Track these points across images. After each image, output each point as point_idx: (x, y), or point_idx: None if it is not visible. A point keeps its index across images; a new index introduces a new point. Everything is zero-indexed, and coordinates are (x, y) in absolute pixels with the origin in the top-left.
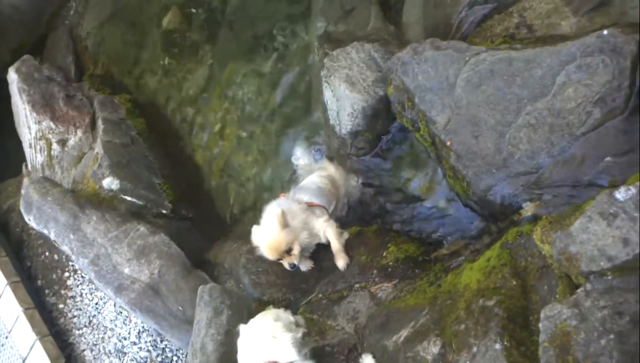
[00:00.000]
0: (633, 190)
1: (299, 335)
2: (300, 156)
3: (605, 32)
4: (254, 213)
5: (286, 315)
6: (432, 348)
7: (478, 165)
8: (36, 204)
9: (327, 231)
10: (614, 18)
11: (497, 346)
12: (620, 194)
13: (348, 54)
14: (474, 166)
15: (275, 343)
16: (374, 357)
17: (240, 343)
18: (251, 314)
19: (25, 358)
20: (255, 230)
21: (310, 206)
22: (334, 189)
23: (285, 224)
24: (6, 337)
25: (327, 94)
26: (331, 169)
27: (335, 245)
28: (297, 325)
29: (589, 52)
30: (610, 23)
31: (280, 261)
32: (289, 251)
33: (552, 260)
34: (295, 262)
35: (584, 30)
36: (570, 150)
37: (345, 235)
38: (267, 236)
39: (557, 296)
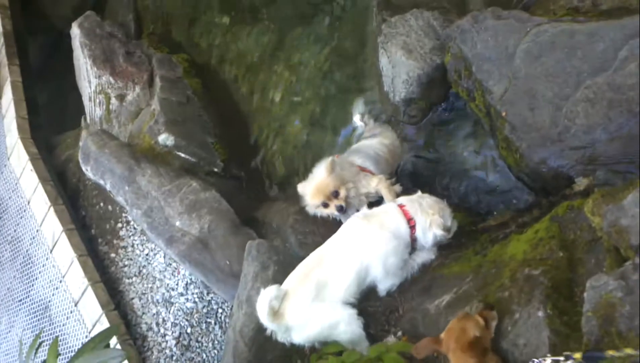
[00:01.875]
0: None
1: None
2: (362, 118)
3: None
4: (303, 177)
5: None
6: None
7: (532, 137)
8: (94, 155)
9: (379, 186)
10: None
11: (540, 313)
12: None
13: (407, 21)
14: (529, 139)
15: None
16: (403, 334)
17: None
18: None
19: (77, 302)
20: (301, 184)
21: (362, 170)
22: (391, 159)
23: (333, 171)
24: (60, 281)
25: (383, 61)
26: (393, 137)
27: (388, 199)
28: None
29: None
30: None
31: (327, 208)
32: (336, 195)
33: (602, 233)
34: (343, 205)
35: None
36: (627, 127)
37: (398, 188)
38: (315, 179)
39: (605, 269)
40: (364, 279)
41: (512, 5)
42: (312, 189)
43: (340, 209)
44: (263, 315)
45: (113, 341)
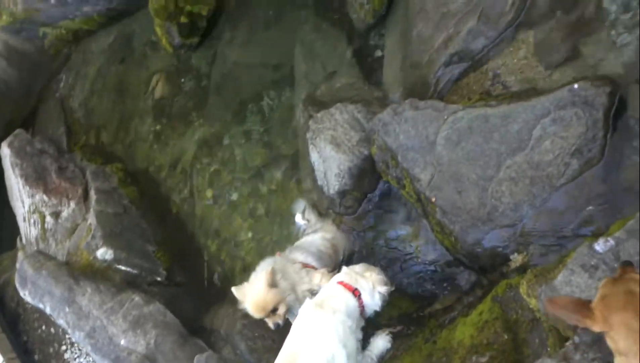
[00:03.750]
0: (611, 242)
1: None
2: (303, 216)
3: (575, 86)
4: (248, 275)
5: None
6: None
7: (464, 220)
8: (31, 278)
9: (322, 281)
10: (585, 71)
11: None
12: (599, 246)
13: (332, 116)
14: (460, 221)
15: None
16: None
17: None
18: None
19: None
20: (235, 289)
21: (305, 266)
22: (333, 254)
23: (273, 284)
24: None
25: (314, 156)
26: (334, 231)
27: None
28: None
29: (562, 106)
30: (581, 76)
31: (265, 319)
32: (274, 311)
33: (539, 314)
34: (280, 322)
35: (556, 83)
36: (551, 201)
37: None
38: (254, 294)
39: (549, 349)
40: None
41: (429, 94)
42: (251, 304)
43: (277, 326)
44: None
45: None
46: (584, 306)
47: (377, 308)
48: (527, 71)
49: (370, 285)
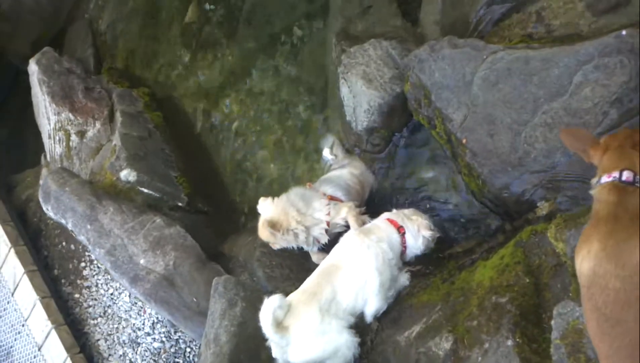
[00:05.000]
0: None
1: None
2: (331, 151)
3: (623, 32)
4: None
5: None
6: (444, 343)
7: (493, 163)
8: (54, 194)
9: (348, 214)
10: (633, 18)
11: (509, 342)
12: None
13: (365, 51)
14: (490, 164)
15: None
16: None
17: None
18: None
19: (41, 346)
20: (262, 200)
21: (332, 199)
22: (360, 190)
23: (277, 227)
24: (22, 325)
25: (344, 91)
26: (362, 168)
27: (354, 228)
28: None
29: (606, 53)
30: (629, 23)
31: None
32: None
33: (566, 258)
34: (275, 248)
35: (602, 30)
36: None
37: (366, 218)
38: (259, 223)
39: (570, 294)
40: (363, 297)
41: (467, 34)
42: (259, 224)
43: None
44: (266, 325)
45: None
46: (594, 139)
47: (419, 252)
48: (573, 16)
49: (416, 228)
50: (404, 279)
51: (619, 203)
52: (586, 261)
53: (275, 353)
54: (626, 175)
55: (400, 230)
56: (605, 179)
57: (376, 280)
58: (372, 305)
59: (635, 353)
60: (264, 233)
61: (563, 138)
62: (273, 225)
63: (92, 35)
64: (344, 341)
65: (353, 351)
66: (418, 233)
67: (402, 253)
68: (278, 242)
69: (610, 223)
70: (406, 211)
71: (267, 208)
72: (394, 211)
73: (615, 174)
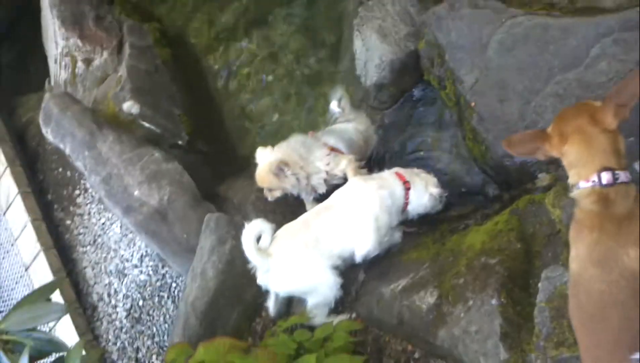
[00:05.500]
0: None
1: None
2: (339, 104)
3: None
4: None
5: None
6: (428, 298)
7: (499, 129)
8: (55, 117)
9: (348, 167)
10: None
11: (494, 301)
12: (637, 165)
13: (384, 5)
14: (495, 130)
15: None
16: (357, 317)
17: None
18: None
19: (28, 266)
20: (260, 149)
21: (333, 150)
22: (364, 146)
23: (277, 175)
24: (12, 244)
25: (357, 43)
26: (367, 124)
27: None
28: None
29: (627, 27)
30: None
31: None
32: (270, 190)
33: (561, 225)
34: (269, 198)
35: (625, 6)
36: None
37: (364, 172)
38: (261, 167)
39: (561, 262)
40: (353, 239)
41: None
42: (257, 172)
43: (265, 200)
44: (247, 246)
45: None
46: (540, 133)
47: (423, 210)
48: None
49: (424, 184)
50: (397, 236)
51: (604, 212)
52: (574, 263)
53: (259, 277)
54: (606, 178)
55: (406, 184)
56: (583, 184)
57: (371, 223)
58: (364, 245)
59: (616, 349)
60: (266, 177)
61: (509, 149)
62: (285, 164)
63: None
64: (325, 279)
65: (334, 292)
66: (425, 189)
67: (404, 209)
68: (280, 186)
69: (596, 232)
70: (416, 169)
71: (266, 156)
72: (403, 168)
73: (594, 177)
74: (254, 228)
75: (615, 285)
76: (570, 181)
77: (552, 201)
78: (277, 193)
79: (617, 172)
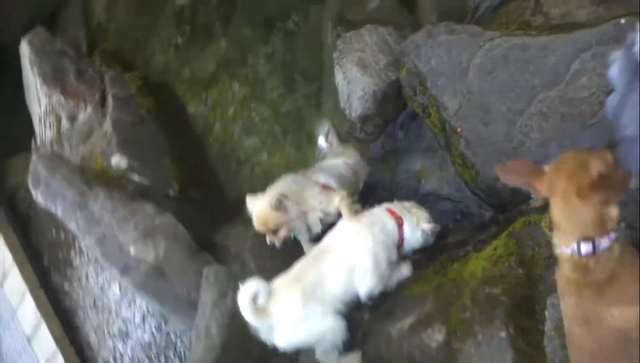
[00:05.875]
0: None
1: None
2: (326, 139)
3: (622, 20)
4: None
5: None
6: (437, 335)
7: (487, 152)
8: (44, 180)
9: (341, 203)
10: (634, 7)
11: (502, 334)
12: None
13: (361, 37)
14: (484, 154)
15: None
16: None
17: None
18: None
19: (30, 338)
20: (249, 197)
21: (325, 188)
22: (354, 180)
23: (278, 208)
24: (12, 316)
25: (339, 77)
26: (356, 157)
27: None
28: None
29: (605, 41)
30: (627, 12)
31: (266, 235)
32: (276, 231)
33: None
34: (276, 243)
35: (600, 19)
36: (580, 140)
37: (358, 208)
38: (259, 209)
39: None
40: (353, 278)
41: (466, 21)
42: (255, 217)
43: (272, 245)
44: (244, 310)
45: None
46: (535, 169)
47: (417, 245)
48: (572, 4)
49: (415, 220)
50: (406, 269)
51: (581, 280)
52: (564, 319)
53: (263, 336)
54: (585, 248)
55: (399, 220)
56: (564, 250)
57: (369, 261)
58: (366, 284)
59: None
60: (268, 216)
61: (501, 176)
62: (284, 196)
63: (85, 17)
64: (329, 327)
65: (341, 336)
66: (417, 226)
67: (400, 244)
68: (285, 220)
69: (575, 297)
70: (406, 203)
71: (257, 203)
72: (395, 202)
73: (573, 245)
74: (249, 290)
75: (605, 342)
76: (554, 239)
77: (547, 224)
78: (284, 232)
79: (597, 240)
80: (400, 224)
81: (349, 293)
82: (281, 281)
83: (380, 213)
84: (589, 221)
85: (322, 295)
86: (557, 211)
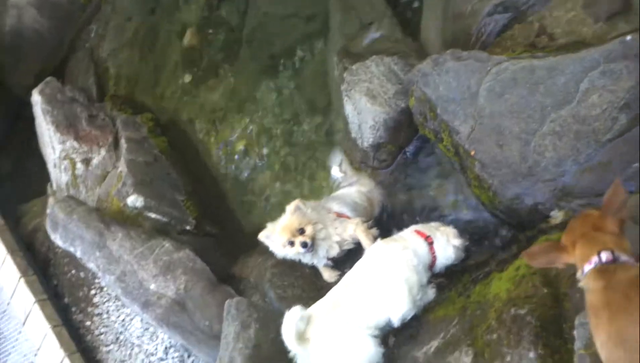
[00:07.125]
0: None
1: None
2: (340, 169)
3: (628, 37)
4: None
5: None
6: (464, 358)
7: (504, 174)
8: (62, 223)
9: (357, 230)
10: (636, 23)
11: (532, 354)
12: None
13: (368, 68)
14: (500, 175)
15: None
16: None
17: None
18: (279, 327)
19: None
20: (262, 233)
21: (339, 216)
22: (369, 207)
23: (299, 208)
24: (35, 355)
25: (348, 108)
26: (370, 185)
27: (366, 244)
28: None
29: (612, 58)
30: (632, 29)
31: (293, 246)
32: (302, 232)
33: None
34: (308, 241)
35: (605, 36)
36: (596, 157)
37: (374, 232)
38: (280, 223)
39: None
40: (387, 303)
41: (470, 46)
42: (278, 229)
43: (305, 245)
44: (289, 338)
45: None
46: (555, 244)
47: (449, 262)
48: (575, 23)
49: (445, 238)
50: (431, 293)
51: (607, 287)
52: (602, 350)
53: None
54: (605, 256)
55: (428, 239)
56: (587, 267)
57: (403, 286)
58: (399, 309)
59: None
60: (291, 220)
61: (531, 262)
62: (293, 229)
63: (93, 64)
64: (367, 352)
65: (377, 361)
66: (448, 242)
67: (433, 263)
68: (309, 219)
69: (606, 310)
70: (433, 223)
71: (272, 228)
72: (421, 224)
73: (595, 258)
74: (294, 317)
75: None
76: (578, 274)
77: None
78: (310, 229)
79: (617, 253)
80: (430, 244)
81: (383, 319)
82: (318, 307)
83: (409, 235)
84: (607, 237)
85: (359, 320)
86: (581, 249)
